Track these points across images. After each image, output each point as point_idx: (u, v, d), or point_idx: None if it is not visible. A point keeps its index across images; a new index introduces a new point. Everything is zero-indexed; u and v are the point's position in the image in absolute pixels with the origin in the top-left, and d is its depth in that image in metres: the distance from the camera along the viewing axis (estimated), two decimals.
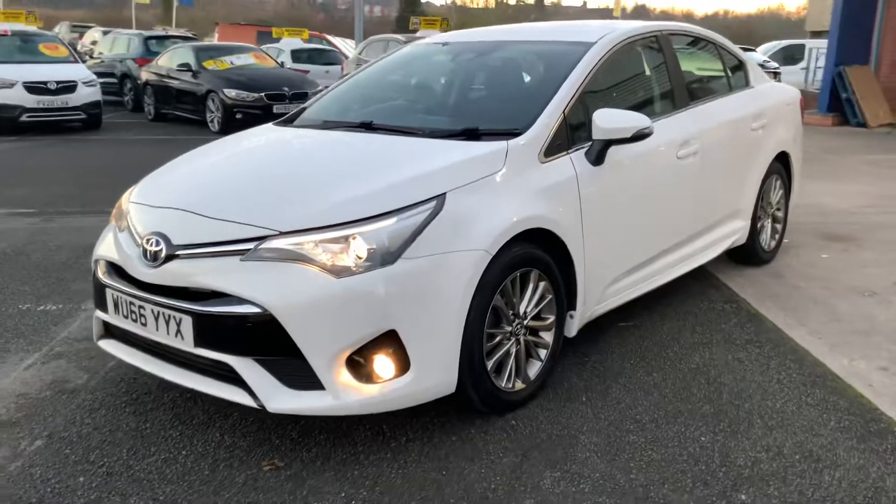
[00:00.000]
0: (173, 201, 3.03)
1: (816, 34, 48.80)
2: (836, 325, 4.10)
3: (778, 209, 5.21)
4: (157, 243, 2.85)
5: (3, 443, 2.97)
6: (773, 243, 5.21)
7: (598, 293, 3.53)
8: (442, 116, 3.74)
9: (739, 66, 4.96)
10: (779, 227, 5.27)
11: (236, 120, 12.70)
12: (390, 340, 2.69)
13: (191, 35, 19.81)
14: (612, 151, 3.44)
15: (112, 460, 2.84)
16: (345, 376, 2.67)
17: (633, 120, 3.37)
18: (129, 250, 3.00)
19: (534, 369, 3.21)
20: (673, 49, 4.28)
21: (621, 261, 3.66)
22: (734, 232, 4.68)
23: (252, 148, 3.69)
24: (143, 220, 3.03)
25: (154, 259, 2.85)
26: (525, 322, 3.12)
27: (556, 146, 3.31)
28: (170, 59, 14.45)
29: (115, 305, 3.01)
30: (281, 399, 2.69)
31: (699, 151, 4.09)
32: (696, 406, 3.19)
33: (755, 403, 3.22)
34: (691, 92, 4.33)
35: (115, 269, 3.09)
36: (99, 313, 3.20)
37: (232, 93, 12.71)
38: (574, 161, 3.35)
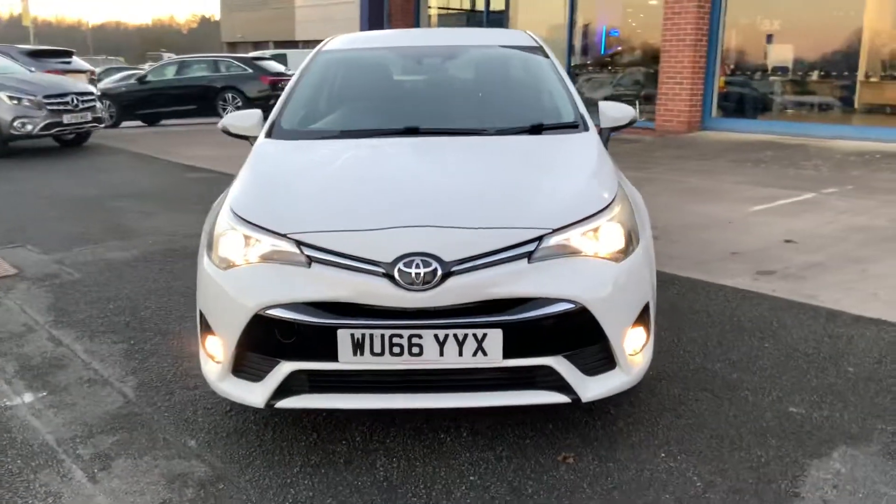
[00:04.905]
0: (402, 220, 2.74)
1: (231, 45, 52.24)
2: (781, 282, 4.76)
3: None
4: (427, 264, 2.62)
5: None
6: None
7: None
8: (477, 117, 3.83)
9: None
10: None
11: None
12: (644, 313, 2.98)
13: None
14: None
15: None
16: (628, 352, 2.88)
17: (629, 110, 4.03)
18: (363, 281, 2.65)
19: None
20: None
21: None
22: None
23: (366, 158, 3.40)
24: (369, 245, 2.67)
25: (425, 282, 2.62)
26: None
27: None
28: None
29: (357, 346, 2.63)
30: (589, 387, 2.77)
31: None
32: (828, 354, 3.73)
33: (864, 341, 3.83)
34: None
35: (329, 308, 2.67)
36: (289, 366, 2.71)
37: None
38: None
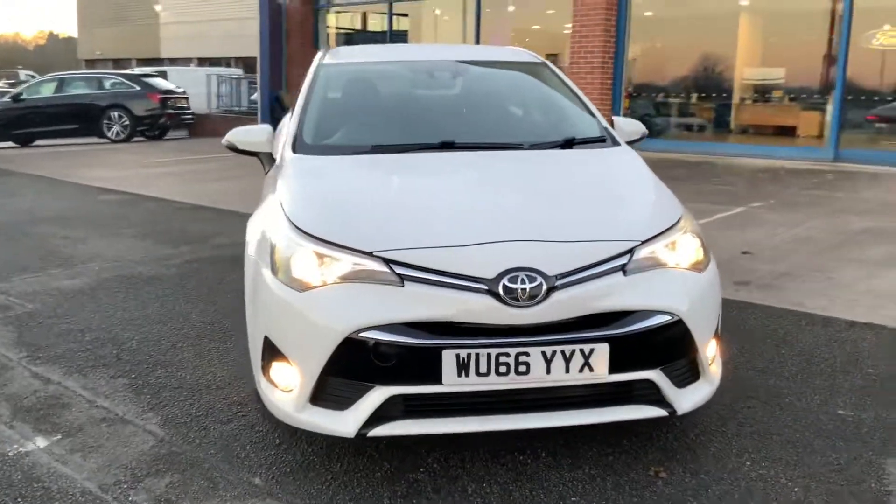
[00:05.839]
0: (500, 234, 2.64)
1: (89, 62, 49.91)
2: (760, 292, 4.94)
3: None
4: (532, 279, 2.54)
5: None
6: None
7: None
8: (507, 131, 3.77)
9: None
10: None
11: None
12: (718, 322, 3.00)
13: None
14: None
15: None
16: (709, 362, 2.90)
17: (640, 125, 4.09)
18: (464, 298, 2.53)
19: None
20: None
21: None
22: None
23: (425, 173, 3.27)
24: (468, 261, 2.56)
25: (531, 297, 2.54)
26: None
27: None
28: None
29: (463, 366, 2.51)
30: (682, 399, 2.76)
31: None
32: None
33: (868, 343, 4.04)
34: None
35: (425, 328, 2.54)
36: (384, 391, 2.55)
37: None
38: None
